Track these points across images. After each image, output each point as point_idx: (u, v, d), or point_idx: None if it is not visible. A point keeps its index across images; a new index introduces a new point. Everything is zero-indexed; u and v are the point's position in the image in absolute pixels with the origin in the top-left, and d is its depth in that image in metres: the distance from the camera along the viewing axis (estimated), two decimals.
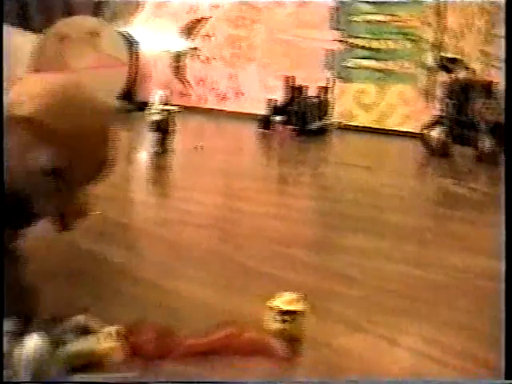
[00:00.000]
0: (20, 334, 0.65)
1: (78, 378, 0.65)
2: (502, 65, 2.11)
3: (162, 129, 2.17)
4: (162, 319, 0.78)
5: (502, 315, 0.70)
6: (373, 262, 1.17)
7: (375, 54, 3.33)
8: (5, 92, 0.77)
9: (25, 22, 3.83)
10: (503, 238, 0.75)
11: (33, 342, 0.62)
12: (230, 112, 3.62)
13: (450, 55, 2.88)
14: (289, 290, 0.82)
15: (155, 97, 2.18)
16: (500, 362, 0.68)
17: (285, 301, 0.79)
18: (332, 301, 0.95)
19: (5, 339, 0.65)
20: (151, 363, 0.71)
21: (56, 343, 0.65)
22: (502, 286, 0.72)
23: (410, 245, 1.33)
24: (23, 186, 0.76)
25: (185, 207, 1.56)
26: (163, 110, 2.16)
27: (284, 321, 0.78)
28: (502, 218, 0.77)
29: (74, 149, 0.76)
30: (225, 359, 0.74)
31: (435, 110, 2.89)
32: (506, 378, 0.63)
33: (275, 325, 0.79)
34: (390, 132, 3.21)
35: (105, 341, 0.68)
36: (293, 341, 0.78)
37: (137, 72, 3.79)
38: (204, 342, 0.76)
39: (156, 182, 1.98)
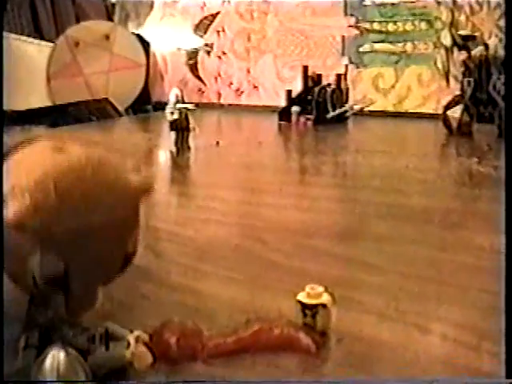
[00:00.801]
0: (42, 347, 0.64)
1: None
2: None
3: (180, 127, 2.16)
4: (188, 320, 0.76)
5: None
6: (398, 248, 1.15)
7: (391, 37, 3.30)
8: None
9: (39, 32, 3.85)
10: None
11: (55, 356, 0.61)
12: (247, 106, 3.61)
13: (466, 33, 2.84)
14: (315, 282, 0.81)
15: (171, 96, 2.18)
16: None
17: (309, 294, 0.78)
18: (359, 291, 0.94)
19: (27, 352, 0.64)
20: (179, 366, 0.70)
21: (82, 352, 0.64)
22: None
23: (435, 228, 1.31)
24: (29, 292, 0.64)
25: (206, 204, 1.56)
26: (179, 109, 2.15)
27: (311, 315, 0.77)
28: None
29: (91, 248, 0.60)
30: (254, 357, 0.73)
31: (454, 89, 2.87)
32: (507, 378, 0.61)
33: (302, 319, 0.78)
34: (409, 115, 3.19)
35: (133, 346, 0.67)
36: (321, 334, 0.77)
37: (153, 72, 3.81)
38: (232, 340, 0.74)
39: (177, 181, 1.97)
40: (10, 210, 0.56)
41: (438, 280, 0.99)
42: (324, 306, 0.78)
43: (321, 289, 0.78)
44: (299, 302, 0.78)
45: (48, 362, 0.59)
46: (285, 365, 0.72)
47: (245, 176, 1.98)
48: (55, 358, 0.60)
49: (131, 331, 0.69)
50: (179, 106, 2.16)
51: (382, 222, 1.34)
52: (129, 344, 0.66)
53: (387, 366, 0.72)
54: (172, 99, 2.17)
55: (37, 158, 0.60)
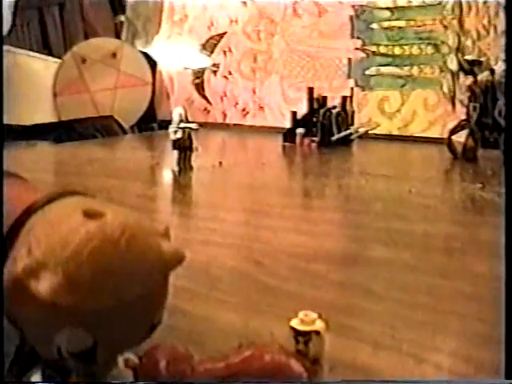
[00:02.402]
0: (28, 367, 0.62)
1: None
2: None
3: (183, 147, 2.16)
4: (178, 343, 0.75)
5: None
6: (397, 274, 1.14)
7: (397, 60, 3.30)
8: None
9: (48, 48, 3.88)
10: None
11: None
12: (252, 126, 3.61)
13: (472, 58, 2.84)
14: (311, 307, 0.79)
15: (174, 115, 2.17)
16: None
17: (302, 321, 0.76)
18: (355, 318, 0.93)
19: (13, 371, 0.62)
20: None
21: (66, 372, 0.62)
22: None
23: (436, 254, 1.30)
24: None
25: (205, 225, 1.54)
26: (183, 128, 2.15)
27: (303, 341, 0.76)
28: None
29: (121, 322, 0.57)
30: (244, 383, 0.71)
31: (460, 113, 2.86)
32: (506, 378, 0.60)
33: (295, 346, 0.76)
34: (414, 139, 3.18)
35: (118, 368, 0.65)
36: (313, 362, 0.75)
37: (159, 90, 3.82)
38: (222, 365, 0.73)
39: (178, 200, 1.96)
40: (43, 285, 0.53)
41: (435, 308, 0.98)
42: (317, 332, 0.76)
43: (314, 315, 0.77)
44: (292, 328, 0.76)
45: None
46: None
47: (246, 197, 1.97)
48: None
49: (121, 353, 0.67)
50: (183, 125, 2.16)
51: (381, 248, 1.33)
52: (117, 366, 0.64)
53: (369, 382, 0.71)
54: (176, 118, 2.17)
55: (69, 225, 0.56)
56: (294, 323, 0.77)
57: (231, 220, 1.63)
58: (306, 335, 0.76)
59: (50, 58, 3.85)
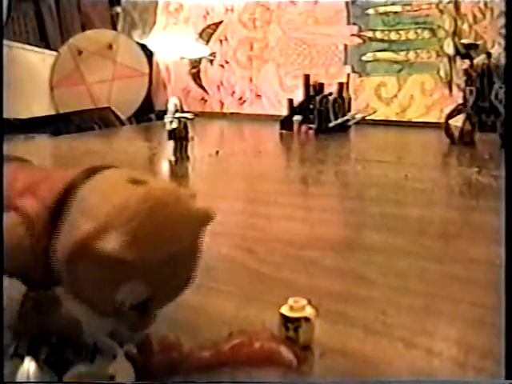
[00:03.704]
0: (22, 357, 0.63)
1: None
2: None
3: (179, 137, 2.15)
4: (169, 332, 0.75)
5: None
6: (391, 260, 1.14)
7: (393, 45, 3.29)
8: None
9: (45, 41, 3.87)
10: None
11: (27, 367, 0.60)
12: (249, 114, 3.60)
13: (469, 41, 2.83)
14: (303, 294, 0.79)
15: (169, 105, 2.17)
16: None
17: (292, 307, 0.76)
18: (347, 304, 0.92)
19: (13, 361, 0.62)
20: (159, 380, 0.69)
21: (66, 364, 0.62)
22: None
23: (431, 239, 1.30)
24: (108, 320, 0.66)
25: None
26: (178, 118, 2.14)
27: (293, 328, 0.76)
28: None
29: (165, 275, 0.64)
30: (233, 371, 0.71)
31: (457, 98, 2.85)
32: (507, 378, 0.60)
33: (284, 333, 0.76)
34: (411, 124, 3.17)
35: (118, 361, 0.65)
36: (303, 348, 0.75)
37: (156, 81, 3.81)
38: (211, 354, 0.73)
39: None
40: (110, 244, 0.59)
41: (428, 293, 0.98)
42: (307, 319, 0.76)
43: (304, 302, 0.77)
44: (281, 314, 0.76)
45: (19, 373, 0.60)
46: (265, 379, 0.70)
47: (242, 186, 1.97)
48: (25, 370, 0.59)
49: (121, 345, 0.67)
50: (178, 115, 2.15)
51: (375, 233, 1.32)
52: (115, 358, 0.65)
53: (369, 382, 0.70)
54: (171, 108, 2.16)
55: (123, 192, 0.63)
56: (284, 310, 0.77)
57: (226, 209, 1.62)
58: (296, 322, 0.76)
59: (46, 51, 3.85)
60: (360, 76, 3.35)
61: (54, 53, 3.84)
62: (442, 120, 2.66)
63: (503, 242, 0.83)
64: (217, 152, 2.36)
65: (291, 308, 0.76)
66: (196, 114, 2.28)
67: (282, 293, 0.83)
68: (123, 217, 0.60)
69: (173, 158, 2.16)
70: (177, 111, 2.16)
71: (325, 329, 0.79)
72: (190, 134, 2.17)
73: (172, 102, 2.16)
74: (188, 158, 2.17)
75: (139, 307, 0.64)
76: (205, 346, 0.74)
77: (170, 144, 2.16)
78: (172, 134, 2.16)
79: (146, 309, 0.65)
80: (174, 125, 2.14)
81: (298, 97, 3.07)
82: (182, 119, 2.15)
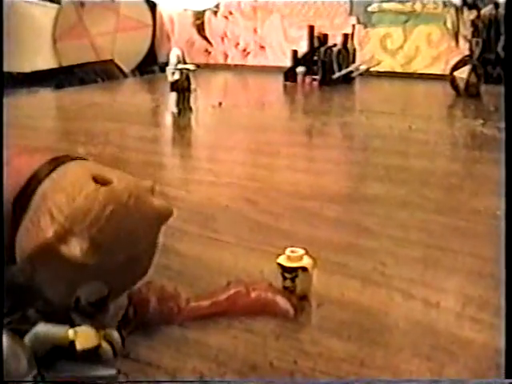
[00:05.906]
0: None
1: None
2: None
3: (181, 88, 2.13)
4: (168, 282, 0.75)
5: None
6: (392, 211, 1.13)
7: None
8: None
9: None
10: None
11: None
12: (253, 66, 3.57)
13: None
14: (302, 245, 0.79)
15: (171, 56, 2.14)
16: None
17: (289, 257, 0.76)
18: (346, 254, 0.92)
19: None
20: (154, 329, 0.69)
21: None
22: None
23: (433, 191, 1.29)
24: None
25: (202, 166, 1.54)
26: (180, 69, 2.12)
27: (290, 278, 0.76)
28: None
29: (123, 274, 0.66)
30: (229, 320, 0.71)
31: (464, 49, 2.82)
32: (506, 378, 0.59)
33: (282, 283, 0.76)
34: (417, 75, 3.14)
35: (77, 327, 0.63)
36: (301, 298, 0.75)
37: (160, 33, 3.77)
38: (208, 303, 0.73)
39: (176, 142, 1.95)
40: (73, 249, 0.61)
41: (428, 244, 0.98)
42: (304, 269, 0.76)
43: (301, 251, 0.77)
44: (279, 264, 0.76)
45: None
46: (261, 329, 0.70)
47: (245, 137, 1.95)
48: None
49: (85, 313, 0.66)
50: (180, 66, 2.13)
51: (377, 184, 1.32)
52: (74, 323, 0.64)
53: (366, 332, 0.70)
54: (173, 60, 2.14)
55: (85, 192, 0.64)
56: (281, 260, 0.77)
57: (229, 160, 1.61)
58: (293, 271, 0.76)
59: (48, 4, 3.80)
60: (365, 27, 3.30)
61: (57, 5, 3.79)
62: (448, 72, 2.62)
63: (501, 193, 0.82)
64: (220, 103, 2.35)
65: (288, 258, 0.76)
66: (198, 66, 2.26)
67: (282, 243, 0.83)
68: (85, 221, 0.62)
69: (175, 110, 2.14)
70: (179, 62, 2.14)
71: (323, 279, 0.79)
72: (193, 86, 2.15)
73: (174, 54, 2.14)
74: (191, 109, 2.15)
75: (96, 303, 0.65)
76: (202, 296, 0.74)
77: (173, 95, 2.14)
78: (174, 86, 2.14)
79: (102, 304, 0.66)
80: (176, 76, 2.12)
81: (303, 48, 3.03)
82: (184, 70, 2.13)
